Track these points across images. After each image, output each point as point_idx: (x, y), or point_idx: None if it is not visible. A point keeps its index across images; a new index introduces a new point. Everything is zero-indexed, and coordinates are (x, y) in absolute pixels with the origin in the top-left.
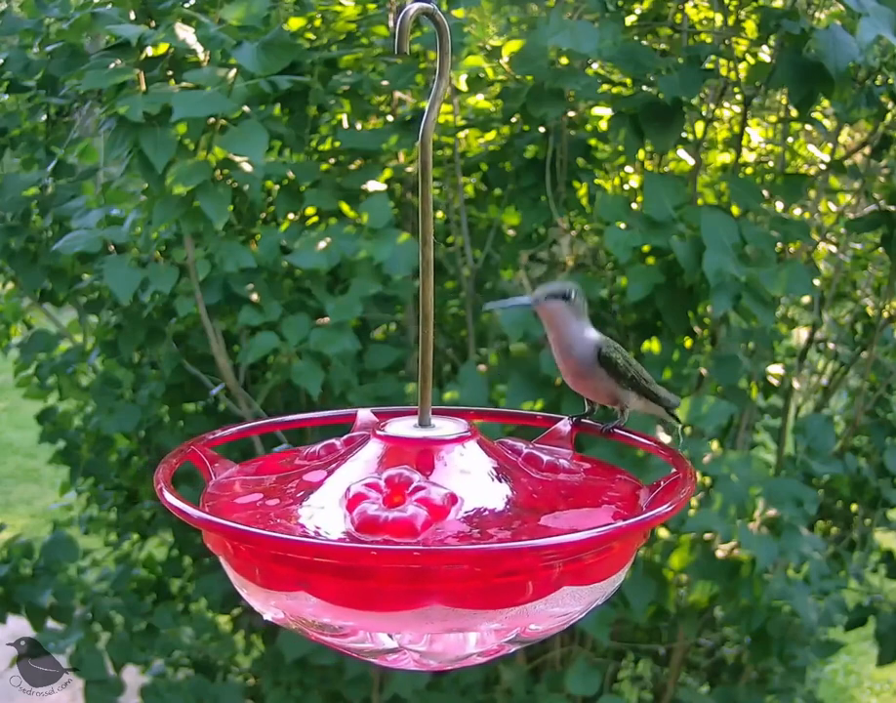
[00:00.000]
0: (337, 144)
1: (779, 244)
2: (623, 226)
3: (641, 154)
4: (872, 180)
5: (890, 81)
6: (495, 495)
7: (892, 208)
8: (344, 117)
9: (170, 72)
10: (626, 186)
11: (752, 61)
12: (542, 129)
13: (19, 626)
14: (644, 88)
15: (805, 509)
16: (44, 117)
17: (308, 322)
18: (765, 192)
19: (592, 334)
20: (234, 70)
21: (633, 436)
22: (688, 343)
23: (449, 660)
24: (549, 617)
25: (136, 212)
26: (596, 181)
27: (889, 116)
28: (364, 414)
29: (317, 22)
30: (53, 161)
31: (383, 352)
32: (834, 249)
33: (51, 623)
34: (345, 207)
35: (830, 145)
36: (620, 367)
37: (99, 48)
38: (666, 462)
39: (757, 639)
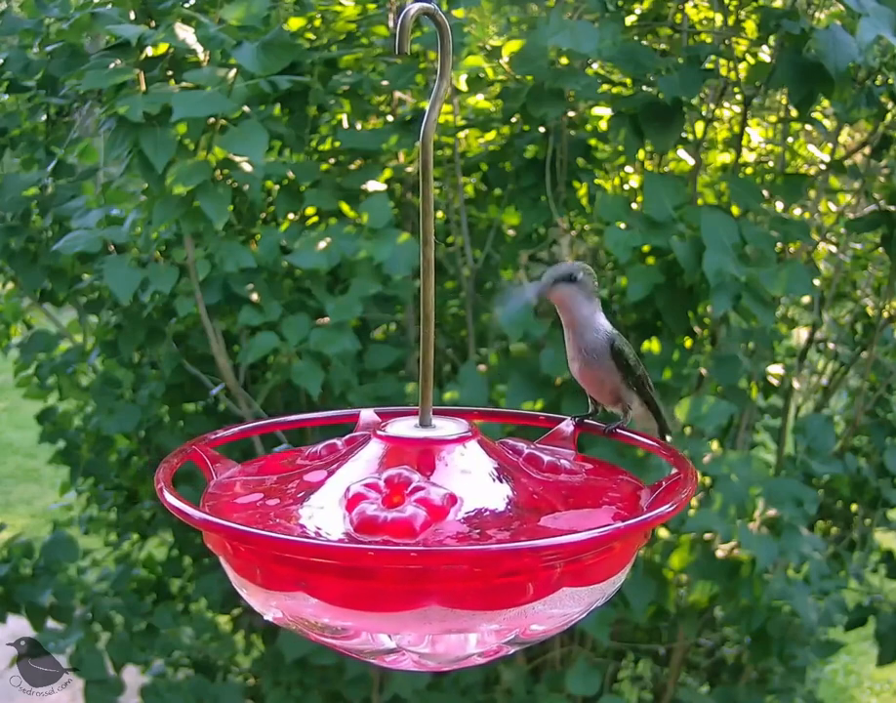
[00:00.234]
0: (337, 144)
1: (779, 244)
2: (623, 226)
3: (641, 154)
4: (872, 180)
5: (890, 81)
6: (495, 495)
7: (892, 208)
8: (344, 117)
9: (170, 72)
10: (626, 186)
11: (752, 61)
12: (542, 129)
13: (19, 626)
14: (644, 88)
15: (805, 509)
16: (44, 117)
17: (308, 322)
18: (765, 192)
19: (605, 323)
20: (234, 70)
21: (636, 437)
22: (688, 343)
23: (448, 661)
24: (548, 618)
25: (136, 212)
26: (596, 181)
27: (889, 116)
28: (367, 414)
29: (317, 22)
30: (53, 161)
31: (383, 352)
32: (834, 249)
33: (51, 623)
34: (345, 207)
35: (830, 145)
36: (631, 363)
37: (99, 48)
38: (667, 462)
39: (757, 639)
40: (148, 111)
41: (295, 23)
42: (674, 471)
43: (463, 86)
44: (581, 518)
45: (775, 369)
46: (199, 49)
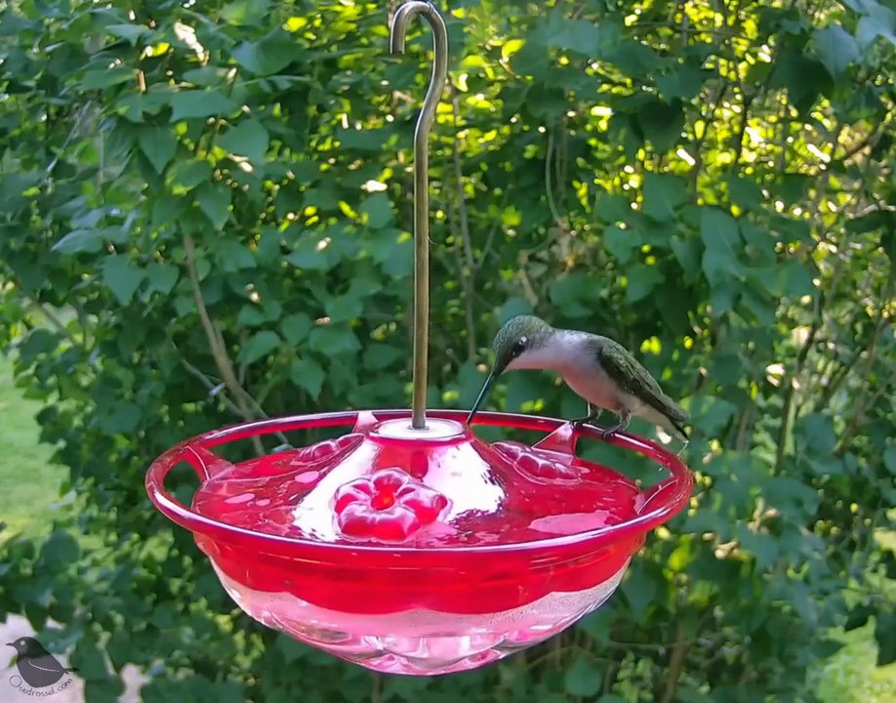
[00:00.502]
0: (337, 144)
1: (779, 244)
2: (623, 226)
3: (641, 154)
4: (872, 180)
5: (890, 81)
6: (486, 498)
7: (892, 208)
8: (343, 117)
9: (170, 72)
10: (626, 186)
11: (752, 61)
12: (542, 129)
13: (19, 626)
14: (644, 88)
15: (805, 509)
16: (44, 117)
17: (308, 322)
18: (765, 192)
19: (576, 337)
20: (234, 70)
21: (633, 441)
22: (688, 343)
23: (437, 665)
24: (538, 622)
25: (136, 212)
26: (596, 181)
27: (889, 116)
28: (365, 416)
29: (317, 22)
30: (53, 161)
31: (383, 352)
32: (834, 249)
33: (51, 623)
34: (345, 207)
35: (830, 145)
36: (622, 368)
37: (99, 48)
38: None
39: (757, 639)
40: (148, 111)
41: (295, 23)
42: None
43: (463, 86)
44: (572, 522)
45: (775, 369)
46: (199, 49)
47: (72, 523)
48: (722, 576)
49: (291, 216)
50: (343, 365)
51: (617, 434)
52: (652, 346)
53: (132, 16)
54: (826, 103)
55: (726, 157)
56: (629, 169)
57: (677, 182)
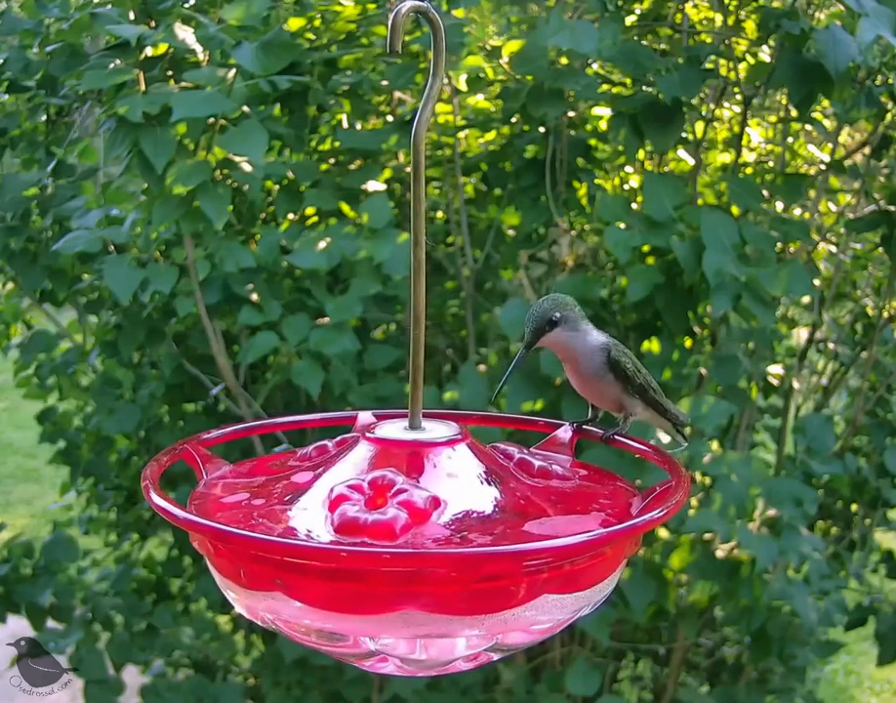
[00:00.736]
0: (337, 144)
1: (779, 244)
2: (623, 226)
3: (641, 154)
4: (872, 180)
5: (890, 81)
6: (481, 499)
7: (892, 208)
8: (343, 117)
9: (169, 72)
10: (626, 186)
11: (752, 61)
12: (542, 129)
13: (19, 626)
14: (644, 88)
15: (805, 509)
16: (44, 117)
17: (308, 322)
18: (765, 192)
19: (598, 338)
20: (234, 70)
21: (632, 443)
22: (688, 343)
23: (430, 666)
24: (531, 624)
25: (136, 212)
26: (596, 181)
27: (889, 116)
28: (365, 416)
29: (317, 22)
30: (53, 161)
31: (383, 352)
32: (834, 249)
33: (51, 623)
34: (345, 207)
35: (830, 145)
36: (629, 372)
37: (98, 48)
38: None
39: (757, 639)
40: (148, 111)
41: (295, 23)
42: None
43: (463, 86)
44: (567, 524)
45: (775, 369)
46: (199, 49)
47: (72, 523)
48: (722, 576)
49: (291, 216)
50: (343, 365)
51: (616, 436)
52: (652, 346)
53: (132, 16)
54: (826, 103)
55: (726, 157)
56: (629, 169)
57: (677, 182)
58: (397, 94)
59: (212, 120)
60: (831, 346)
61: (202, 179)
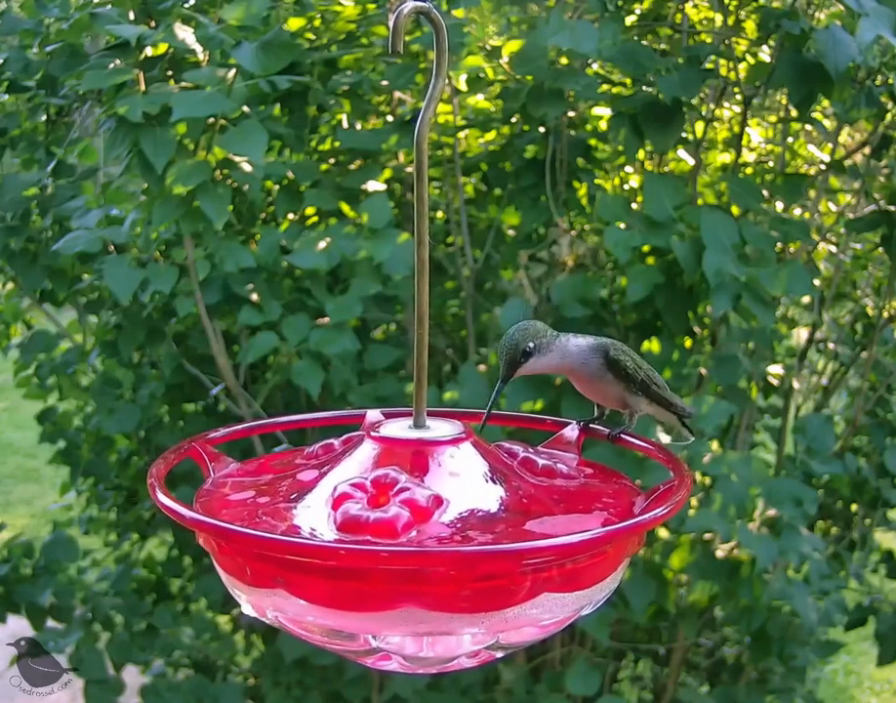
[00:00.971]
0: (337, 144)
1: (779, 244)
2: (623, 226)
3: (641, 154)
4: (872, 180)
5: (890, 81)
6: (483, 498)
7: (892, 208)
8: (343, 117)
9: (169, 72)
10: (626, 186)
11: (752, 61)
12: (542, 129)
13: (19, 626)
14: (644, 88)
15: (805, 509)
16: (44, 117)
17: (308, 322)
18: (765, 192)
19: (583, 341)
20: (234, 70)
21: (638, 442)
22: (688, 343)
23: (433, 663)
24: (532, 623)
25: (136, 212)
26: (596, 181)
27: (889, 116)
28: (373, 415)
29: (317, 22)
30: (53, 161)
31: (383, 352)
32: (834, 249)
33: (51, 623)
34: (345, 207)
35: (830, 145)
36: (629, 370)
37: (98, 48)
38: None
39: (757, 639)
40: (148, 111)
41: (294, 23)
42: (672, 475)
43: (463, 86)
44: (569, 523)
45: (775, 369)
46: (199, 49)
47: (72, 523)
48: (722, 576)
49: (291, 216)
50: (343, 365)
51: (623, 435)
52: (652, 346)
53: (132, 16)
54: (826, 103)
55: (726, 157)
56: (629, 169)
57: (677, 182)
58: (397, 94)
59: (212, 120)
60: (831, 346)
61: (202, 179)
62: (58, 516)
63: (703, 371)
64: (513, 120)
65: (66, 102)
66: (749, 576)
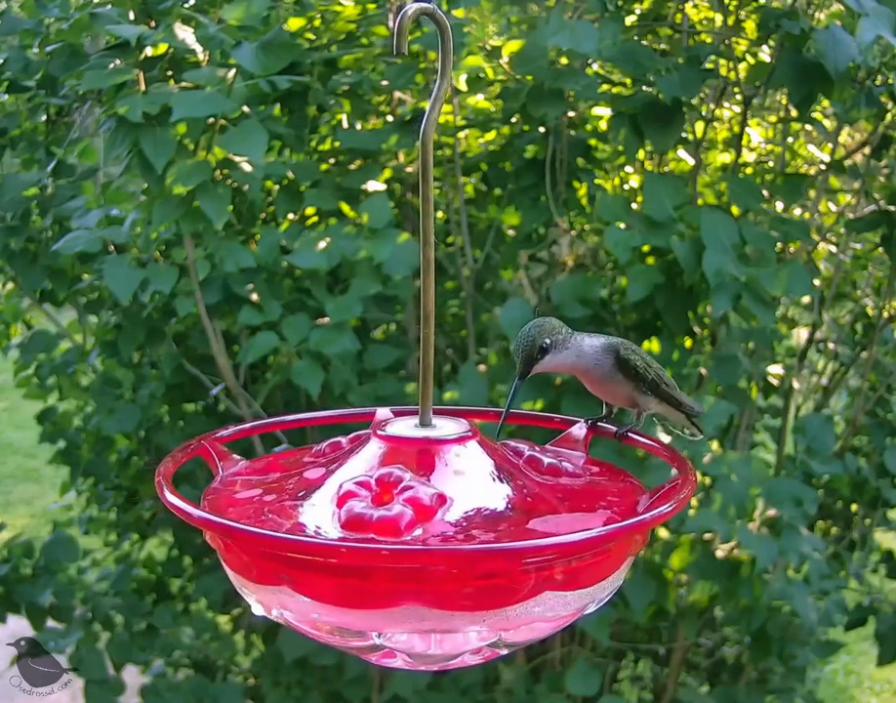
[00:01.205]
0: (337, 144)
1: (779, 244)
2: (623, 226)
3: (641, 154)
4: (872, 180)
5: (890, 81)
6: (487, 496)
7: (892, 208)
8: (343, 117)
9: (169, 72)
10: (626, 186)
11: (752, 61)
12: (542, 129)
13: (19, 626)
14: (644, 88)
15: (805, 509)
16: (44, 117)
17: (308, 322)
18: (765, 192)
19: (596, 341)
20: (234, 70)
21: (646, 441)
22: (688, 343)
23: (437, 661)
24: (534, 621)
25: (136, 212)
26: (596, 181)
27: (889, 116)
28: (383, 413)
29: (317, 22)
30: (53, 161)
31: (383, 352)
32: (834, 249)
33: (51, 623)
34: (345, 207)
35: (830, 145)
36: (640, 370)
37: (98, 48)
38: (667, 462)
39: (757, 639)
40: (148, 111)
41: (294, 23)
42: (674, 473)
43: (463, 86)
44: (572, 522)
45: (775, 369)
46: (199, 49)
47: (72, 523)
48: (722, 576)
49: (291, 216)
50: (343, 365)
51: (630, 434)
52: (652, 346)
53: (132, 16)
54: (826, 103)
55: (726, 157)
56: (629, 169)
57: (677, 182)
58: (397, 94)
59: (212, 120)
60: (831, 346)
61: (202, 179)
62: (58, 516)
63: (703, 371)
64: (513, 120)
65: (66, 102)
66: (749, 576)
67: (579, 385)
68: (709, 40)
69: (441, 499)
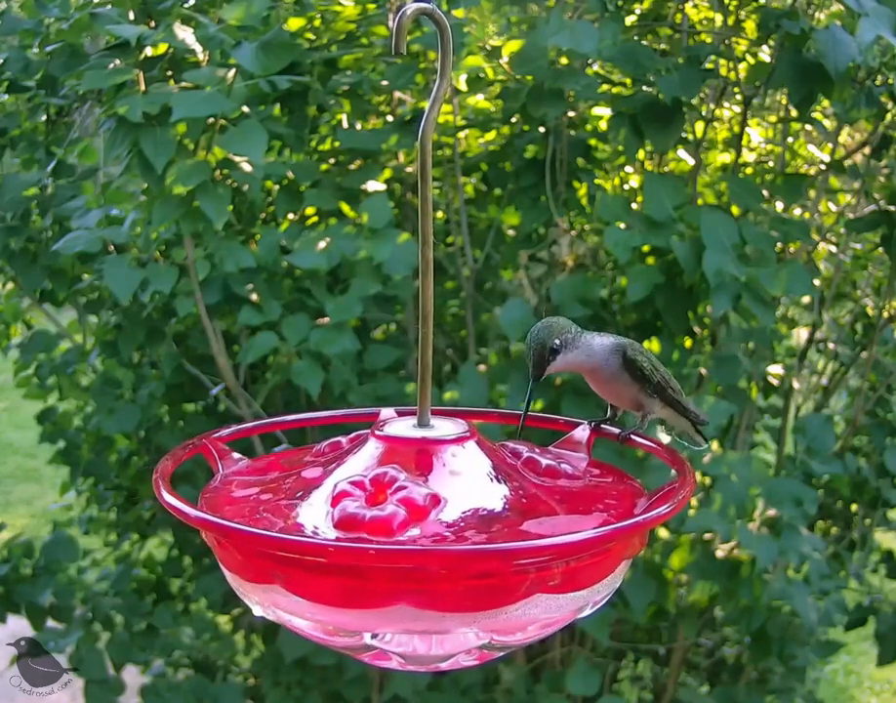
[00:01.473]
0: (337, 144)
1: (779, 244)
2: (623, 226)
3: (641, 154)
4: (872, 180)
5: (890, 81)
6: (482, 497)
7: (892, 208)
8: (343, 117)
9: (169, 72)
10: (626, 186)
11: (752, 61)
12: (542, 129)
13: (19, 626)
14: (644, 88)
15: (805, 509)
16: (44, 117)
17: (308, 322)
18: (765, 192)
19: (605, 341)
20: (234, 70)
21: (649, 444)
22: (688, 343)
23: (429, 662)
24: (527, 623)
25: (136, 212)
26: (596, 181)
27: (889, 116)
28: (387, 413)
29: (317, 22)
30: (53, 161)
31: (383, 352)
32: (834, 249)
33: (51, 623)
34: (345, 207)
35: (830, 145)
36: (646, 371)
37: (98, 48)
38: (666, 464)
39: (757, 639)
40: (148, 111)
41: (294, 23)
42: (674, 474)
43: (463, 86)
44: (566, 524)
45: (775, 369)
46: (199, 49)
47: (72, 523)
48: (722, 576)
49: (291, 216)
50: (343, 365)
51: (633, 436)
52: (652, 346)
53: (131, 16)
54: (826, 103)
55: (726, 157)
56: (629, 169)
57: (677, 182)
58: (397, 94)
59: (212, 120)
60: (831, 346)
61: (202, 179)
62: (58, 516)
63: (703, 371)
64: (513, 120)
65: (66, 102)
66: (749, 576)
67: (579, 385)
68: (709, 40)
69: (435, 499)
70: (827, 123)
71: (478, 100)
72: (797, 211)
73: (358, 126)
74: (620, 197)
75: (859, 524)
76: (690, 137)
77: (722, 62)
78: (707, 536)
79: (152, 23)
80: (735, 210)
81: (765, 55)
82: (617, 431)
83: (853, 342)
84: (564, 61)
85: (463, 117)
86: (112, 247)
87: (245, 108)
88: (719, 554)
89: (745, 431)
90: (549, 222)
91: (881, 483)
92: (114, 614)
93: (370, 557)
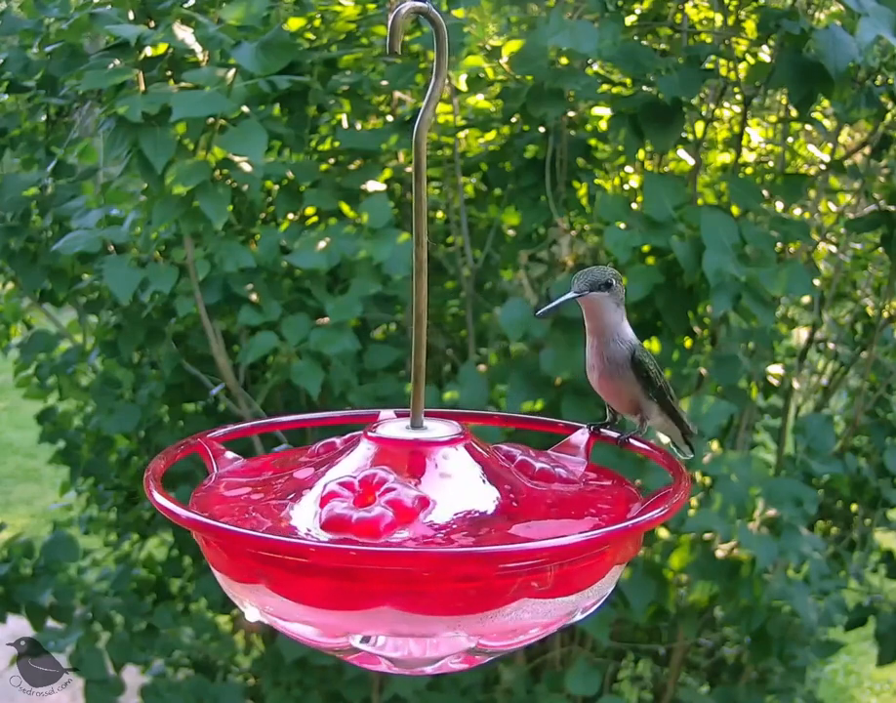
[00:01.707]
0: (337, 144)
1: (779, 244)
2: (623, 226)
3: (641, 154)
4: (872, 180)
5: (890, 81)
6: (472, 500)
7: (892, 208)
8: (343, 117)
9: (169, 72)
10: (626, 186)
11: (752, 61)
12: (542, 129)
13: (19, 626)
14: (644, 88)
15: (805, 509)
16: (44, 117)
17: (308, 322)
18: (765, 192)
19: (629, 332)
20: (234, 70)
21: (648, 447)
22: (688, 343)
23: (413, 665)
24: (515, 627)
25: (135, 212)
26: (596, 181)
27: (889, 116)
28: (386, 415)
29: (317, 22)
30: (53, 161)
31: (383, 352)
32: (834, 249)
33: (51, 623)
34: (344, 207)
35: (830, 145)
36: (651, 374)
37: (98, 48)
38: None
39: (757, 639)
40: (148, 111)
41: (294, 23)
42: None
43: (463, 86)
44: (556, 528)
45: (775, 369)
46: (198, 49)
47: (72, 523)
48: (722, 576)
49: (291, 216)
50: (343, 365)
51: (632, 440)
52: (652, 346)
53: (131, 16)
54: (826, 103)
55: (726, 157)
56: (629, 169)
57: (677, 182)
58: (397, 94)
59: (212, 120)
60: (831, 346)
61: (202, 179)
62: (58, 516)
63: (703, 371)
64: (513, 120)
65: (66, 102)
66: (749, 576)
67: (579, 385)
68: (709, 40)
69: (424, 502)
70: (827, 123)
71: (478, 100)
72: (797, 211)
73: (358, 126)
74: (620, 197)
75: (859, 524)
76: (690, 137)
77: (722, 62)
78: (707, 536)
79: (152, 23)
80: (735, 210)
81: (765, 55)
82: (616, 435)
83: (853, 342)
84: (564, 61)
85: (463, 117)
86: (112, 247)
87: (245, 108)
88: (719, 554)
89: (745, 431)
90: (549, 222)
91: (881, 483)
92: (114, 614)
93: (351, 557)
